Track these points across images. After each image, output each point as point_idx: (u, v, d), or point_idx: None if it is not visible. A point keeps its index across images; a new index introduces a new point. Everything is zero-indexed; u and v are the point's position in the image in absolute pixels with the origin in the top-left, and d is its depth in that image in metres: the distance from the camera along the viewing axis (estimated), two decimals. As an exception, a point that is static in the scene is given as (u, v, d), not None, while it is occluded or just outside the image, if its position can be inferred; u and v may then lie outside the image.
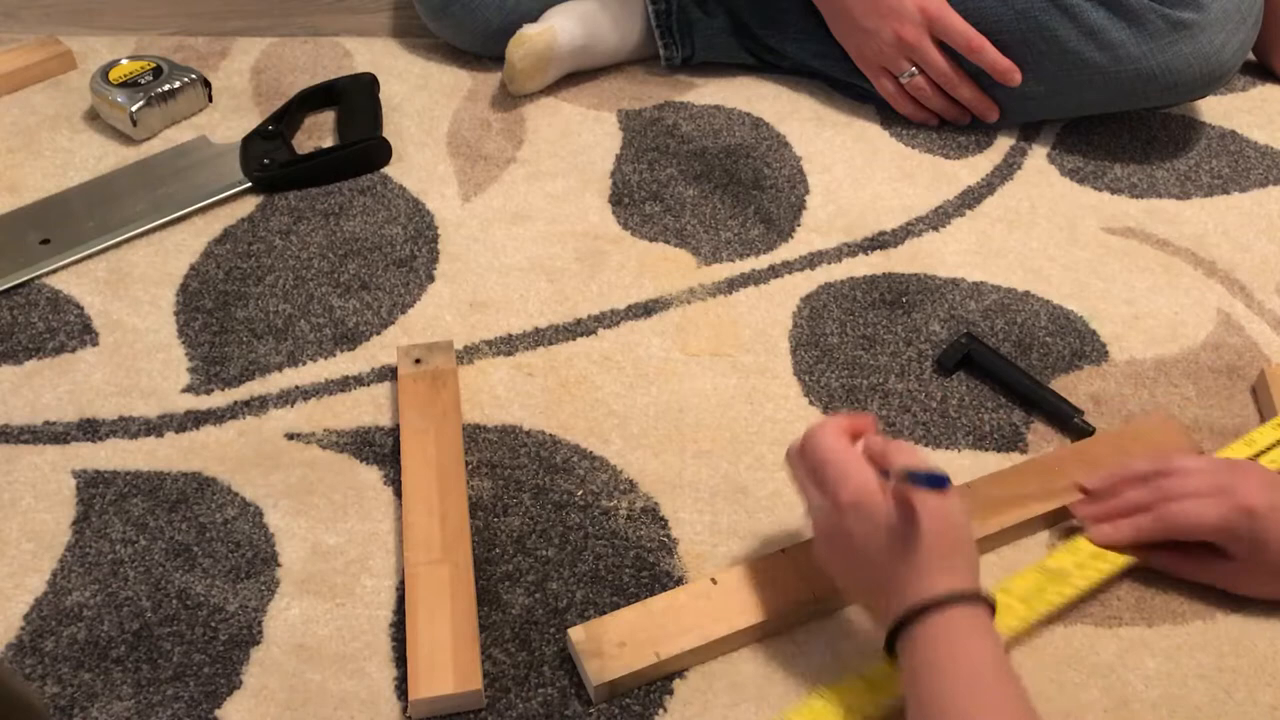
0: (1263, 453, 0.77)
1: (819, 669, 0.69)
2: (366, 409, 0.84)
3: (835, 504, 0.63)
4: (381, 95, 1.14)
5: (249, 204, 1.03)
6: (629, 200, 1.02)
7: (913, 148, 1.09)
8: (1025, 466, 0.78)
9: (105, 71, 1.10)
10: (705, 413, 0.84)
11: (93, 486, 0.79)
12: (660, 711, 0.67)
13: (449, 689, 0.66)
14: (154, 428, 0.83)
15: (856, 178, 1.05)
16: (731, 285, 0.94)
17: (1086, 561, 0.70)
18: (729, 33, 1.16)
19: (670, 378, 0.87)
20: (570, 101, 1.15)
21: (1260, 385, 0.84)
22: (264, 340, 0.89)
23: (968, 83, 1.06)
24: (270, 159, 1.04)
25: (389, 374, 0.87)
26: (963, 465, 0.80)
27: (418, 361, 0.85)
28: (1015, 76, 1.03)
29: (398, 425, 0.82)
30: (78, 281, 0.95)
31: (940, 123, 1.11)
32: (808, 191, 1.04)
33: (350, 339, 0.90)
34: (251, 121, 1.10)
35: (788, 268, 0.96)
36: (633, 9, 1.15)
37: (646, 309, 0.92)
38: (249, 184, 1.03)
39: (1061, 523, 0.76)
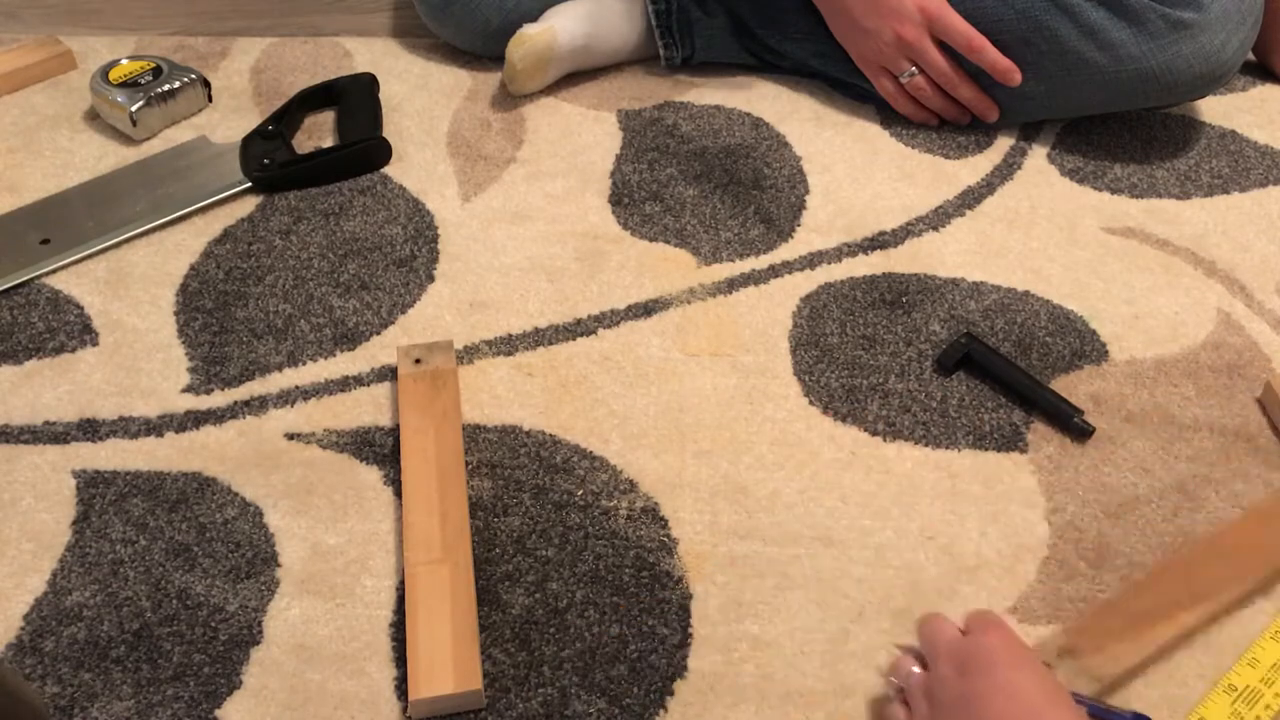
0: None
1: (819, 669, 0.69)
2: (366, 409, 0.84)
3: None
4: (381, 95, 1.14)
5: (249, 204, 1.03)
6: (629, 200, 1.02)
7: (913, 148, 1.09)
8: (1165, 572, 0.72)
9: (105, 71, 1.10)
10: (705, 413, 0.84)
11: (93, 486, 0.79)
12: (660, 711, 0.67)
13: (449, 689, 0.66)
14: (154, 428, 0.83)
15: (856, 178, 1.05)
16: (731, 285, 0.94)
17: (1272, 676, 0.67)
18: (729, 33, 1.16)
19: (670, 378, 0.87)
20: (570, 101, 1.15)
21: (1268, 398, 0.84)
22: (264, 340, 0.90)
23: (968, 82, 1.06)
24: (270, 159, 1.04)
25: (389, 374, 0.87)
26: (963, 465, 0.80)
27: (418, 361, 0.85)
28: (1015, 76, 1.03)
29: (398, 425, 0.82)
30: (78, 281, 0.95)
31: (940, 122, 1.11)
32: (808, 191, 1.04)
33: (350, 339, 0.90)
34: (251, 121, 1.10)
35: (788, 268, 0.96)
36: (633, 9, 1.15)
37: (646, 309, 0.92)
38: (249, 184, 1.03)
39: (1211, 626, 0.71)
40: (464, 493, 0.76)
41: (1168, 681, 0.67)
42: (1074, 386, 0.86)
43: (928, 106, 1.09)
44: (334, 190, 1.04)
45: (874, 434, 0.82)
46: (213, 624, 0.71)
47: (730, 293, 0.94)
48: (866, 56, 1.08)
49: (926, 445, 0.82)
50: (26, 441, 0.82)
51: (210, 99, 1.14)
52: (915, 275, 0.95)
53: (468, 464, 0.80)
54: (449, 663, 0.67)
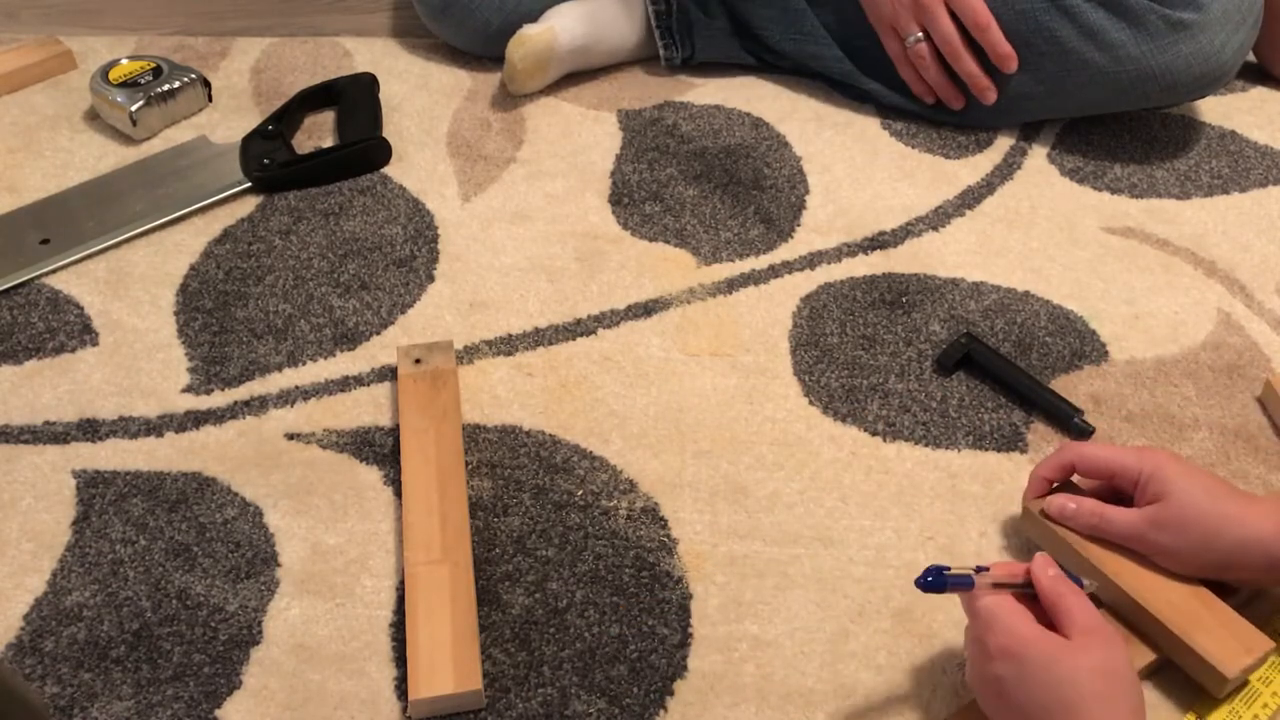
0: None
1: (819, 669, 0.69)
2: (366, 409, 0.84)
3: (983, 650, 0.60)
4: (381, 95, 1.14)
5: (249, 204, 1.03)
6: (629, 200, 1.02)
7: (913, 148, 1.09)
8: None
9: (105, 71, 1.10)
10: (705, 413, 0.84)
11: (93, 486, 0.79)
12: (661, 711, 0.67)
13: (449, 689, 0.66)
14: (154, 428, 0.83)
15: (856, 178, 1.05)
16: (731, 285, 0.94)
17: (1270, 674, 0.67)
18: (729, 33, 1.16)
19: (670, 378, 0.87)
20: (570, 101, 1.15)
21: (1268, 398, 0.84)
22: (264, 340, 0.89)
23: (971, 56, 1.04)
24: (270, 159, 1.04)
25: (389, 374, 0.87)
26: (963, 465, 0.80)
27: (418, 361, 0.85)
28: (1011, 64, 1.03)
29: (398, 425, 0.82)
30: (78, 281, 0.95)
31: (936, 102, 1.10)
32: (808, 191, 1.04)
33: (350, 339, 0.90)
34: (251, 121, 1.10)
35: (788, 268, 0.96)
36: (633, 9, 1.15)
37: (646, 309, 0.92)
38: (249, 184, 1.03)
39: None
40: (464, 493, 0.76)
41: (1166, 679, 0.67)
42: (1074, 386, 0.86)
43: (926, 78, 1.08)
44: (334, 190, 1.04)
45: (874, 434, 0.82)
46: (213, 624, 0.71)
47: (730, 293, 0.94)
48: (880, 11, 1.07)
49: (926, 445, 0.82)
50: (26, 441, 0.82)
51: (210, 99, 1.14)
52: (915, 275, 0.95)
53: (468, 464, 0.80)
54: (449, 663, 0.67)
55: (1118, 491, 0.70)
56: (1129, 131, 1.11)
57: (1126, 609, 0.68)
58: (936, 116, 1.11)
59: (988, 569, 0.61)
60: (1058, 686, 0.56)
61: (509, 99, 1.14)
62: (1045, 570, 0.61)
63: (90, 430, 0.83)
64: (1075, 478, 0.73)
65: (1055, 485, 0.73)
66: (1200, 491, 0.66)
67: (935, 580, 0.60)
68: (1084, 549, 0.69)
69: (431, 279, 0.95)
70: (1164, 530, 0.66)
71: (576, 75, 1.17)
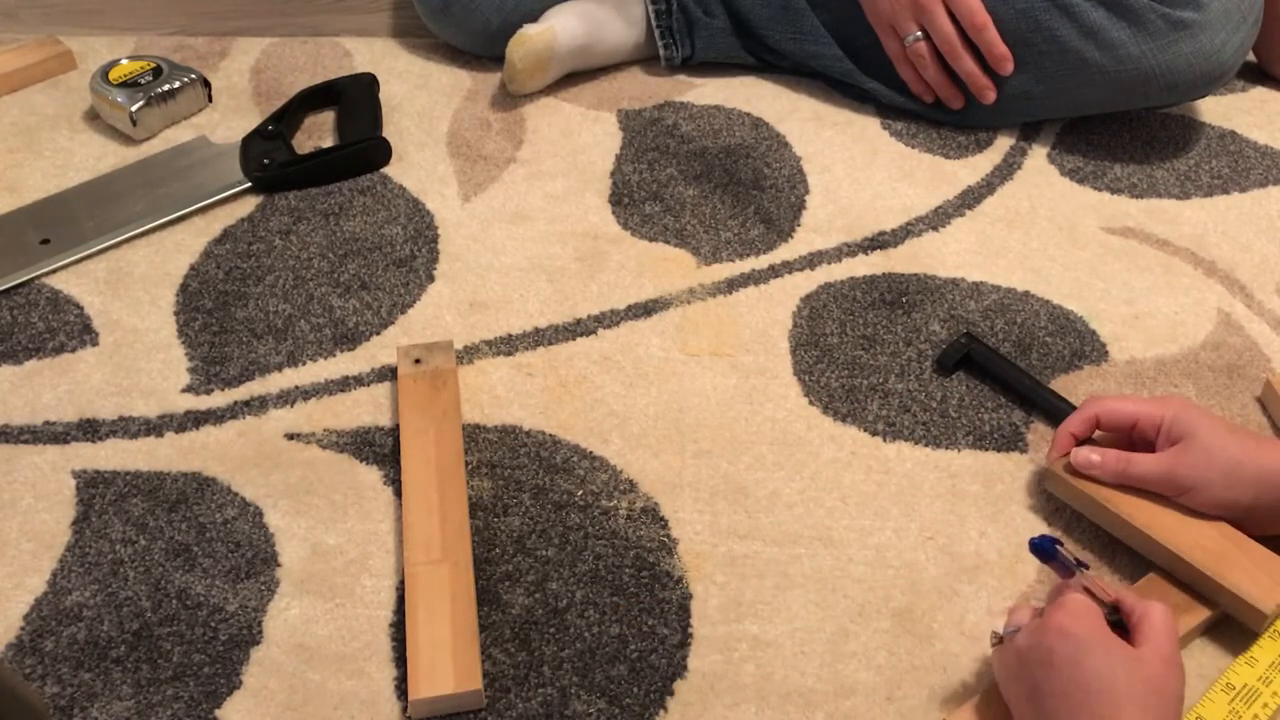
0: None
1: (819, 669, 0.69)
2: (366, 409, 0.84)
3: (1047, 625, 0.60)
4: (381, 95, 1.14)
5: (249, 204, 1.03)
6: (629, 200, 1.02)
7: (913, 148, 1.09)
8: (1154, 581, 0.71)
9: (105, 71, 1.10)
10: (705, 413, 0.84)
11: (93, 486, 0.79)
12: (661, 711, 0.67)
13: (449, 689, 0.66)
14: (154, 428, 0.83)
15: (856, 178, 1.05)
16: (731, 285, 0.94)
17: (1270, 674, 0.67)
18: (729, 33, 1.16)
19: (670, 378, 0.87)
20: (570, 101, 1.15)
21: (1268, 398, 0.84)
22: (264, 340, 0.90)
23: (970, 55, 1.04)
24: (270, 159, 1.04)
25: (389, 374, 0.87)
26: (963, 465, 0.80)
27: (418, 361, 0.85)
28: (1007, 65, 1.03)
29: (398, 425, 0.82)
30: (78, 281, 0.95)
31: (935, 101, 1.10)
32: (808, 191, 1.04)
33: (350, 339, 0.90)
34: (251, 121, 1.10)
35: (788, 268, 0.96)
36: (633, 8, 1.15)
37: (646, 309, 0.92)
38: (249, 184, 1.03)
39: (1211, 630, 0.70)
40: (464, 493, 0.76)
41: (1168, 681, 0.67)
42: (1074, 386, 0.86)
43: (925, 78, 1.08)
44: (334, 190, 1.04)
45: (874, 434, 0.82)
46: (213, 624, 0.71)
47: (730, 293, 0.94)
48: (880, 10, 1.07)
49: (926, 445, 0.82)
50: (26, 441, 0.82)
51: (210, 99, 1.14)
52: (915, 275, 0.95)
53: (468, 464, 0.80)
54: (449, 663, 0.67)
55: (1137, 445, 0.73)
56: (1129, 131, 1.11)
57: (1159, 558, 0.69)
58: (936, 116, 1.11)
59: (1088, 569, 0.64)
60: (1109, 680, 0.57)
61: (509, 99, 1.15)
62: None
63: (90, 430, 0.83)
64: (1096, 434, 0.75)
65: (1080, 442, 0.75)
66: (1223, 428, 0.69)
67: (1048, 548, 0.63)
68: (1111, 502, 0.71)
69: (431, 279, 0.95)
70: (1190, 466, 0.69)
71: (576, 75, 1.17)
